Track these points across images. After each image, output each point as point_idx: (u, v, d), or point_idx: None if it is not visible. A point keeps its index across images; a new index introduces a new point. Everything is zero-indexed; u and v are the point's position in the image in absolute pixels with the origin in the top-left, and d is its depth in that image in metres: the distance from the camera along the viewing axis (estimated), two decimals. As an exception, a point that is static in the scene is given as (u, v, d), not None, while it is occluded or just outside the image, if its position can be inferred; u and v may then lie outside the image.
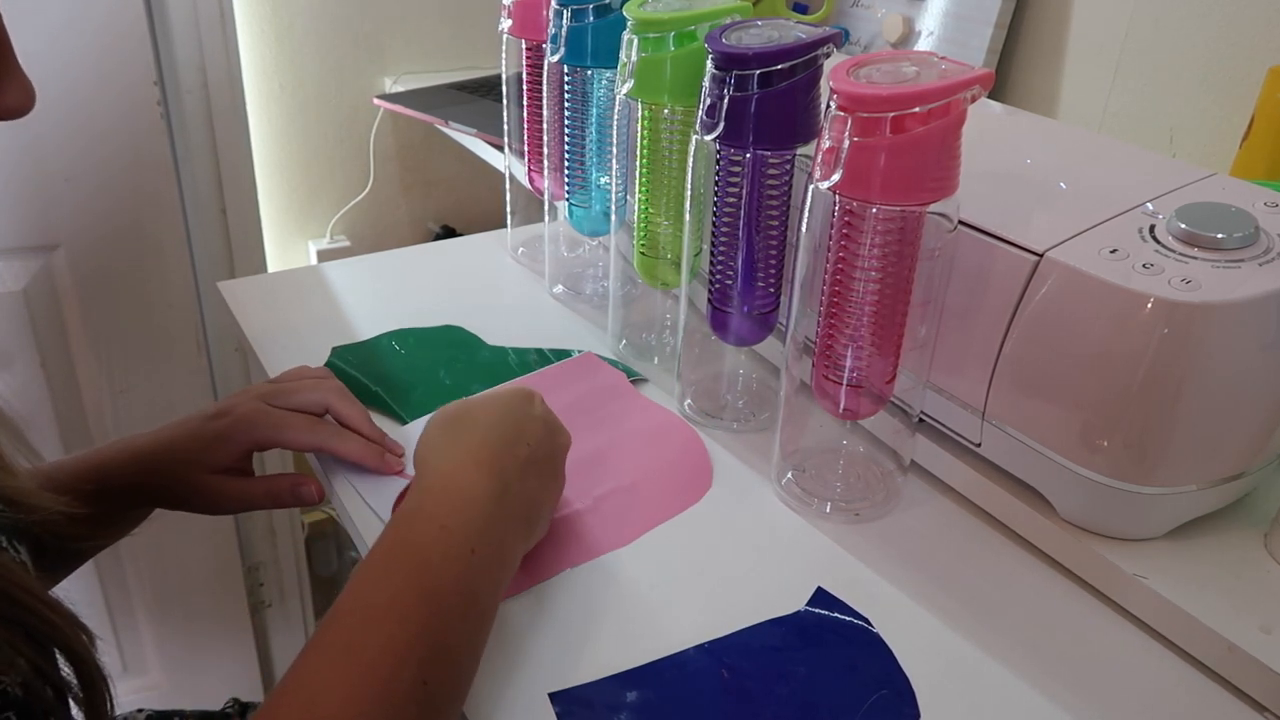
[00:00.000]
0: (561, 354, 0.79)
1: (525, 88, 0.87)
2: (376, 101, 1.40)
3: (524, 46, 0.86)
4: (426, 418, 0.71)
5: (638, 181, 0.71)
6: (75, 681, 0.45)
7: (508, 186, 0.95)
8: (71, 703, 0.45)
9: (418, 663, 0.43)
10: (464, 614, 0.47)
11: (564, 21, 0.75)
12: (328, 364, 0.77)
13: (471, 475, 0.52)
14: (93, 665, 0.46)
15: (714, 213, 0.64)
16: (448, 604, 0.46)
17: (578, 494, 0.63)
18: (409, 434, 0.69)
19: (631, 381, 0.76)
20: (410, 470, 0.64)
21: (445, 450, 0.53)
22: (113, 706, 0.47)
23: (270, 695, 0.42)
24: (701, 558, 0.60)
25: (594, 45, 0.75)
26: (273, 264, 1.52)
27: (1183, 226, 0.53)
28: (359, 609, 0.45)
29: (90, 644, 0.46)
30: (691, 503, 0.64)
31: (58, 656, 0.45)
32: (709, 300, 0.68)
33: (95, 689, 0.46)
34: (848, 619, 0.55)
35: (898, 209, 0.53)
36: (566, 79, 0.78)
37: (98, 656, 0.46)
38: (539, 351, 0.80)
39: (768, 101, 0.58)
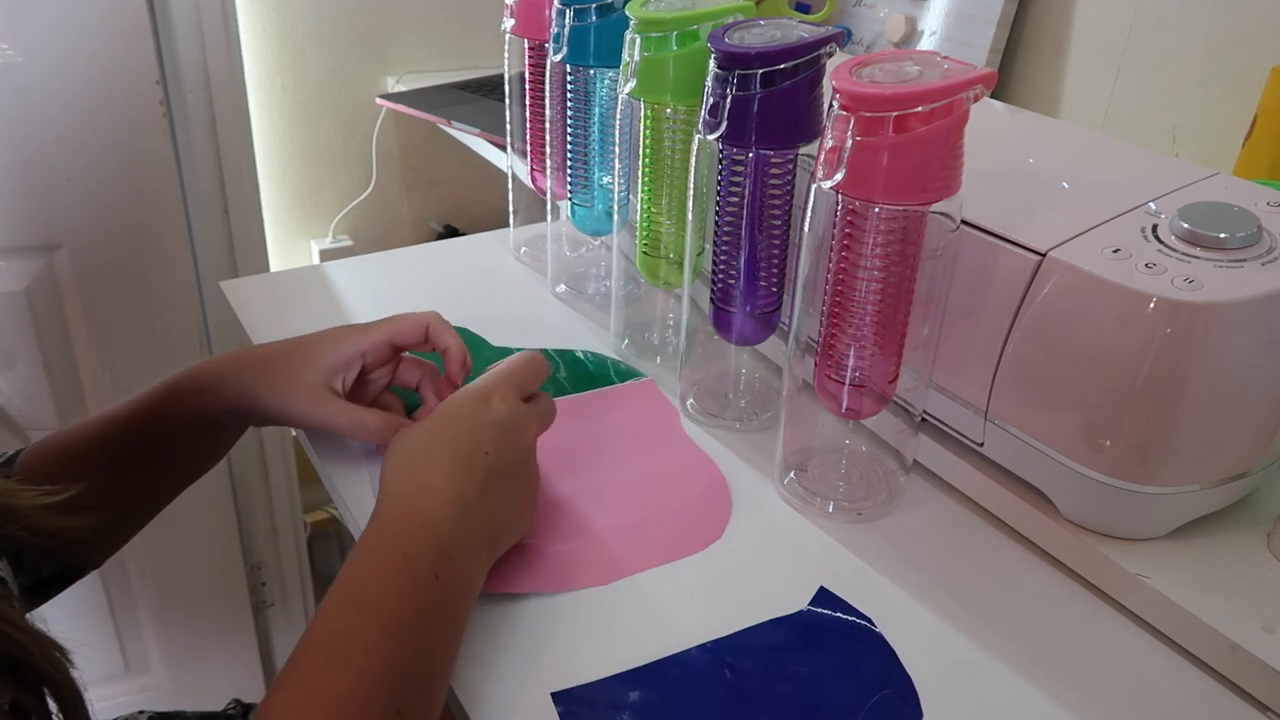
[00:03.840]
0: (566, 353, 0.79)
1: (528, 87, 0.87)
2: (379, 101, 1.41)
3: (526, 46, 0.86)
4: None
5: (640, 181, 0.71)
6: (55, 707, 0.44)
7: (510, 186, 0.95)
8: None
9: (388, 693, 0.43)
10: (430, 640, 0.47)
11: (566, 21, 0.75)
12: None
13: (429, 500, 0.51)
14: (67, 686, 0.44)
15: (716, 212, 0.64)
16: (414, 632, 0.46)
17: (581, 522, 0.61)
18: None
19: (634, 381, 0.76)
20: None
21: (403, 473, 0.53)
22: None
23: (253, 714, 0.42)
24: (703, 557, 0.60)
25: (596, 45, 0.75)
26: (275, 263, 1.53)
27: (1185, 226, 0.53)
28: (325, 644, 0.45)
29: (64, 660, 0.44)
30: (687, 553, 0.60)
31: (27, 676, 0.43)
32: (711, 300, 0.68)
33: (70, 712, 0.44)
34: (850, 619, 0.55)
35: (900, 208, 0.53)
36: (569, 78, 0.78)
37: (72, 673, 0.45)
38: (542, 352, 0.80)
39: (770, 101, 0.58)
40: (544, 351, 0.80)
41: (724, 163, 0.62)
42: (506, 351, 0.80)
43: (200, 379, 0.64)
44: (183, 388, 0.64)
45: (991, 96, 0.65)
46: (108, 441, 0.64)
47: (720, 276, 0.66)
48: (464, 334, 0.83)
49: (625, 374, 0.77)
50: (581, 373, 0.77)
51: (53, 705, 0.44)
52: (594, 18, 0.74)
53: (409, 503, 0.51)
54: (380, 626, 0.45)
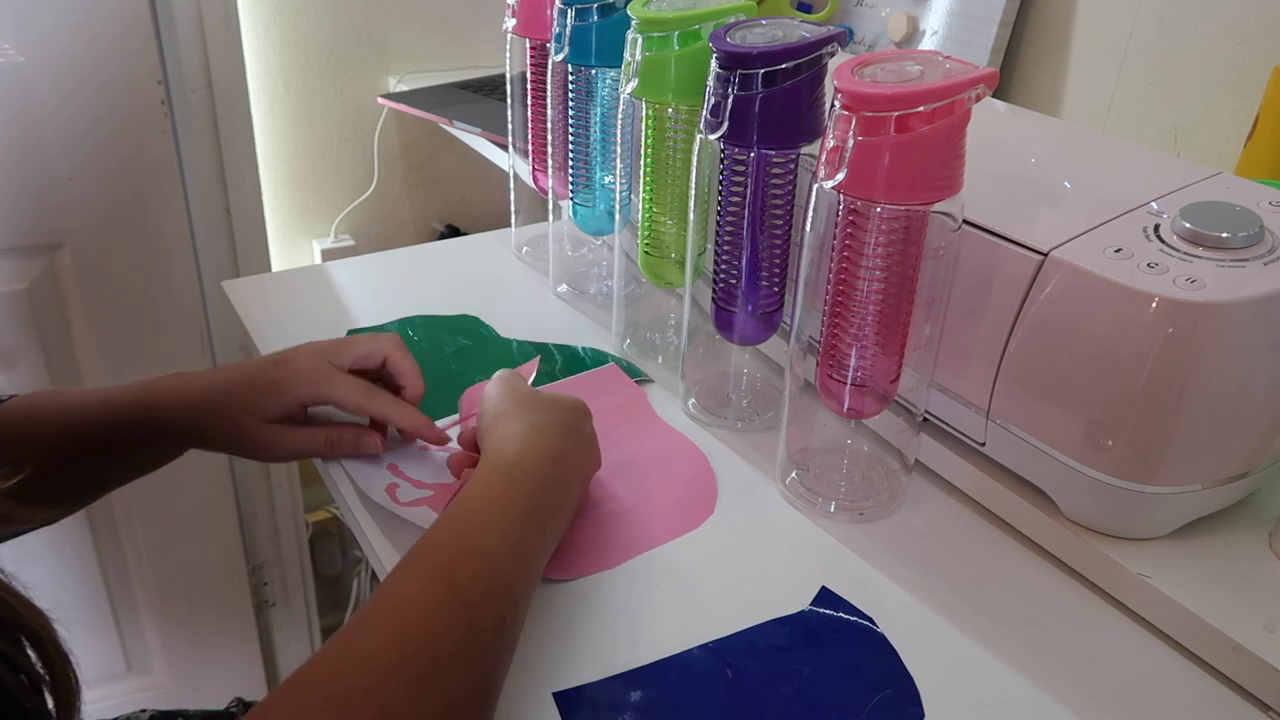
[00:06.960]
0: (566, 350, 0.80)
1: (529, 87, 0.87)
2: (381, 100, 1.41)
3: (528, 45, 0.86)
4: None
5: (642, 180, 0.71)
6: (40, 666, 0.45)
7: (512, 185, 0.95)
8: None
9: (499, 602, 0.47)
10: (532, 578, 0.51)
11: (568, 20, 0.75)
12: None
13: (551, 465, 0.56)
14: (54, 646, 0.44)
15: (718, 212, 0.64)
16: (523, 560, 0.50)
17: (579, 508, 0.61)
18: None
19: (636, 381, 0.76)
20: (452, 444, 0.67)
21: (529, 438, 0.56)
22: (79, 686, 0.47)
23: (366, 604, 0.45)
24: (705, 557, 0.60)
25: (598, 44, 0.75)
26: (277, 263, 1.52)
27: (1187, 226, 0.53)
28: (455, 541, 0.49)
29: (49, 625, 0.45)
30: (687, 530, 0.62)
31: (24, 642, 0.44)
32: (713, 299, 0.68)
33: (59, 670, 0.44)
34: (852, 619, 0.55)
35: (902, 208, 0.53)
36: (570, 78, 0.78)
37: (59, 638, 0.46)
38: (547, 346, 0.80)
39: (772, 101, 0.58)
40: (547, 346, 0.80)
41: (725, 162, 0.62)
42: (508, 344, 0.81)
43: (163, 405, 0.64)
44: (153, 401, 0.64)
45: (993, 96, 0.65)
46: (78, 423, 0.65)
47: (722, 276, 0.66)
48: (475, 324, 0.83)
49: (630, 372, 0.77)
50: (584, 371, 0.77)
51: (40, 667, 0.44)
52: (596, 17, 0.74)
53: (541, 464, 0.55)
54: (501, 537, 0.50)
